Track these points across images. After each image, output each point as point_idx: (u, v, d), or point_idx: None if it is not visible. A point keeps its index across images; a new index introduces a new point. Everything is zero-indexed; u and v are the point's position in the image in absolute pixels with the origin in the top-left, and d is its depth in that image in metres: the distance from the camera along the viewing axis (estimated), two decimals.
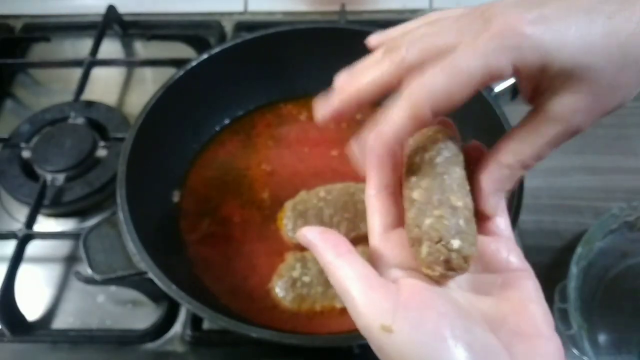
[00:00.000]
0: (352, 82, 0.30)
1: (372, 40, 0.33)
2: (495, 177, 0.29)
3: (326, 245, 0.28)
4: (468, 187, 0.29)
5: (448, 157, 0.30)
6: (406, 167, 0.30)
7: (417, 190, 0.28)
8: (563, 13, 0.25)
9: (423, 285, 0.26)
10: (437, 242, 0.26)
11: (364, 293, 0.26)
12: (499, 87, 0.52)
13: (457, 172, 0.29)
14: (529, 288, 0.27)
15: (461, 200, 0.28)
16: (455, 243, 0.26)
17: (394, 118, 0.27)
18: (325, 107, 0.31)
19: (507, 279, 0.28)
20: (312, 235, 0.28)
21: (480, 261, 0.28)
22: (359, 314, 0.25)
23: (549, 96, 0.27)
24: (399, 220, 0.30)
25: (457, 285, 0.28)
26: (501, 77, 0.26)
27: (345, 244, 0.28)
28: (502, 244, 0.29)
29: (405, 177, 0.30)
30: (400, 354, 0.24)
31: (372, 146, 0.29)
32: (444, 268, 0.26)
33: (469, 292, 0.27)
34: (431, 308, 0.25)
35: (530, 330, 0.25)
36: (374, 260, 0.29)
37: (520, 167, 0.28)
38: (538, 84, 0.27)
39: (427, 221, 0.27)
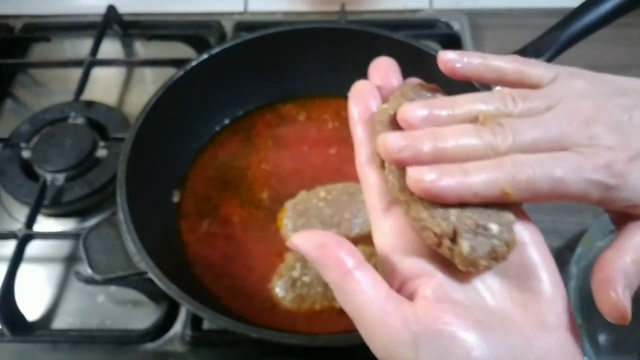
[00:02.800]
0: (433, 138, 0.26)
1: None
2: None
3: (327, 264, 0.25)
4: None
5: None
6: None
7: None
8: None
9: (439, 299, 0.24)
10: (475, 233, 0.24)
11: (378, 323, 0.23)
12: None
13: None
14: (550, 277, 0.26)
15: None
16: (494, 227, 0.24)
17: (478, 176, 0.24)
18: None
19: (525, 267, 0.26)
20: (307, 249, 0.26)
21: None
22: (378, 347, 0.24)
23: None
24: None
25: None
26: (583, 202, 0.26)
27: (350, 256, 0.25)
28: None
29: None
30: None
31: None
32: (488, 260, 0.24)
33: (493, 278, 0.26)
34: (453, 330, 0.23)
35: (553, 321, 0.25)
36: (383, 255, 0.27)
37: None
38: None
39: (452, 212, 0.24)
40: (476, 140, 0.25)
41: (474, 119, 0.26)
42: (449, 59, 0.28)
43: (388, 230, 0.27)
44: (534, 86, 0.28)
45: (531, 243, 0.26)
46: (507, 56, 0.29)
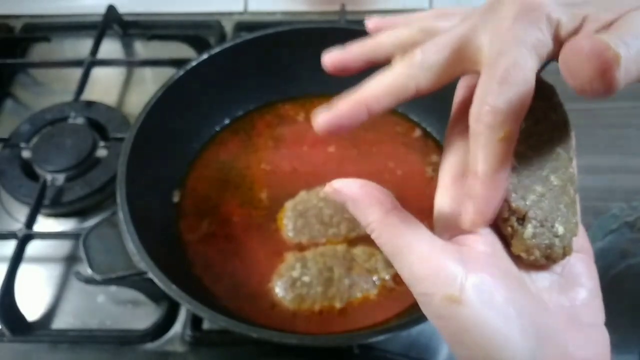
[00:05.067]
0: (360, 89, 0.26)
1: (371, 22, 0.31)
2: None
3: (370, 201, 0.24)
4: (572, 169, 0.26)
5: (556, 124, 0.26)
6: None
7: (518, 156, 0.25)
8: None
9: (488, 254, 0.23)
10: (543, 224, 0.24)
11: (426, 255, 0.23)
12: None
13: (567, 146, 0.26)
14: (588, 273, 0.26)
15: (564, 181, 0.25)
16: (560, 229, 0.24)
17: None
18: (327, 113, 0.27)
19: (570, 273, 0.26)
20: (351, 190, 0.25)
21: None
22: (419, 280, 0.22)
23: None
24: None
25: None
26: None
27: (388, 198, 0.24)
28: None
29: None
30: (464, 327, 0.22)
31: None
32: (542, 254, 0.24)
33: (538, 272, 0.25)
34: (502, 279, 0.22)
35: (589, 319, 0.24)
36: (440, 211, 0.26)
37: None
38: None
39: (531, 196, 0.24)
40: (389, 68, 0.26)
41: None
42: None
43: (453, 195, 0.26)
44: None
45: (582, 251, 0.26)
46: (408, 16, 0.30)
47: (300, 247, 0.53)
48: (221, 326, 0.42)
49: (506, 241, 0.25)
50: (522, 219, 0.24)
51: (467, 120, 0.24)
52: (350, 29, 0.61)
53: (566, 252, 0.24)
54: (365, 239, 0.52)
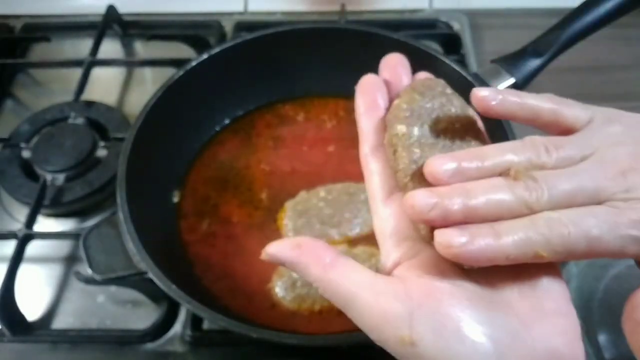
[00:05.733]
0: (464, 193, 0.24)
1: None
2: None
3: (307, 261, 0.25)
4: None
5: (459, 117, 0.28)
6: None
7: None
8: None
9: (431, 277, 0.24)
10: None
11: (371, 302, 0.23)
12: (500, 86, 0.53)
13: (477, 134, 0.28)
14: (549, 269, 0.25)
15: None
16: None
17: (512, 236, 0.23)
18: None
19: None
20: (284, 254, 0.25)
21: None
22: (371, 328, 0.23)
23: None
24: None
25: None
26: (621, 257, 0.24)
27: (326, 251, 0.25)
28: None
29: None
30: None
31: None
32: None
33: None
34: (447, 306, 0.23)
35: (551, 306, 0.24)
36: (380, 238, 0.27)
37: None
38: None
39: None
40: (509, 196, 0.24)
41: (504, 172, 0.25)
42: (483, 97, 0.27)
43: (387, 216, 0.27)
44: (568, 128, 0.27)
45: None
46: (543, 95, 0.28)
47: None
48: (221, 326, 0.42)
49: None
50: None
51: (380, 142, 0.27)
52: (350, 29, 0.61)
53: None
54: (366, 239, 0.53)
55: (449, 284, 0.24)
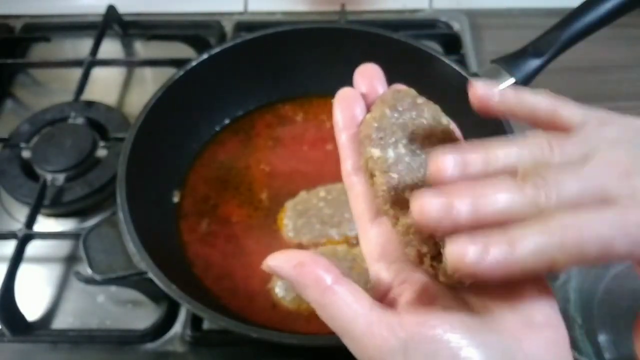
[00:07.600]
0: (470, 192, 0.23)
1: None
2: None
3: (306, 283, 0.24)
4: None
5: (434, 129, 0.28)
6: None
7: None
8: None
9: (423, 305, 0.24)
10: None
11: (365, 334, 0.23)
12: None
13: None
14: (537, 281, 0.25)
15: None
16: None
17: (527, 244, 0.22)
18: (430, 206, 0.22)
19: None
20: (284, 271, 0.25)
21: None
22: (366, 358, 0.23)
23: None
24: None
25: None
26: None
27: (328, 271, 0.24)
28: None
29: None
30: None
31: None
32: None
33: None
34: (441, 334, 0.22)
35: (541, 320, 0.24)
36: (369, 263, 0.27)
37: None
38: None
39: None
40: (519, 197, 0.23)
41: (511, 170, 0.24)
42: (482, 95, 0.27)
43: (375, 238, 0.27)
44: (564, 127, 0.26)
45: None
46: (540, 92, 0.27)
47: (301, 247, 0.53)
48: (221, 326, 0.42)
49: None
50: (436, 256, 0.24)
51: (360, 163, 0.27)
52: (350, 29, 0.61)
53: None
54: None
55: (441, 310, 0.24)
